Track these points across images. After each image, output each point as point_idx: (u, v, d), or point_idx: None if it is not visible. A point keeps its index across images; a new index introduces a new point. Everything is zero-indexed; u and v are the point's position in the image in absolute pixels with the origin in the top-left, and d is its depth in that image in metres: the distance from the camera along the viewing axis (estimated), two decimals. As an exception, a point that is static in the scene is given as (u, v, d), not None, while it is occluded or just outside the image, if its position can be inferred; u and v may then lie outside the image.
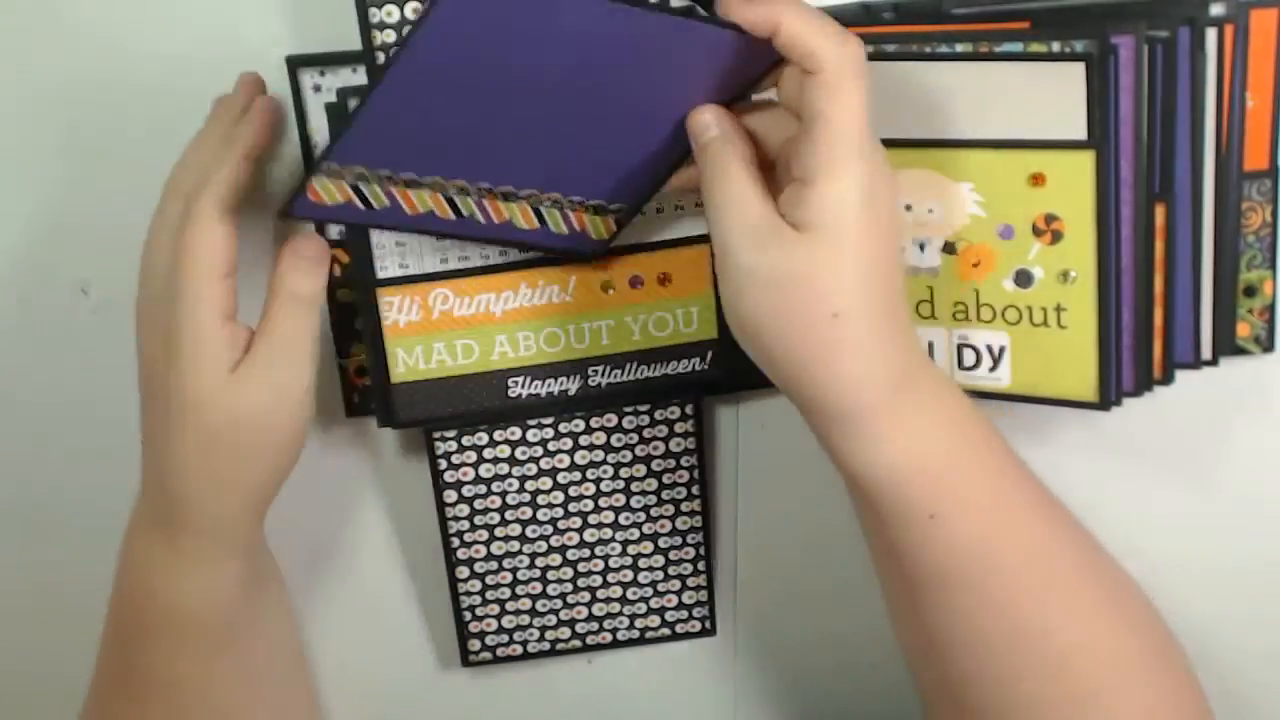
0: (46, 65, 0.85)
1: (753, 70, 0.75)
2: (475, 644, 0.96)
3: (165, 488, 0.81)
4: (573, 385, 0.89)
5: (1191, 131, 0.79)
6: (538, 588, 0.94)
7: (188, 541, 0.81)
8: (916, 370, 0.73)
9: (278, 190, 0.86)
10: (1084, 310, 0.79)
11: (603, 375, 0.88)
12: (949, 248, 0.81)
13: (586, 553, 0.94)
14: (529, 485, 0.92)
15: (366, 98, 0.75)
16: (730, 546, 0.96)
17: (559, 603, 0.95)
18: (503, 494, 0.92)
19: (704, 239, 0.86)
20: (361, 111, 0.75)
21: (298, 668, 0.95)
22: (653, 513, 0.93)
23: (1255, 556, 0.92)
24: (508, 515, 0.92)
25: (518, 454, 0.91)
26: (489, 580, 0.94)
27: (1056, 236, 0.78)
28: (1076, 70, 0.75)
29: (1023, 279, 0.80)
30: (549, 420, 0.90)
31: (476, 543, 0.93)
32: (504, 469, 0.91)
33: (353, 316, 0.88)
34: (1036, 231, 0.79)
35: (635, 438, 0.91)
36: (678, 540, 0.94)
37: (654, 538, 0.94)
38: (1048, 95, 0.76)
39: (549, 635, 0.96)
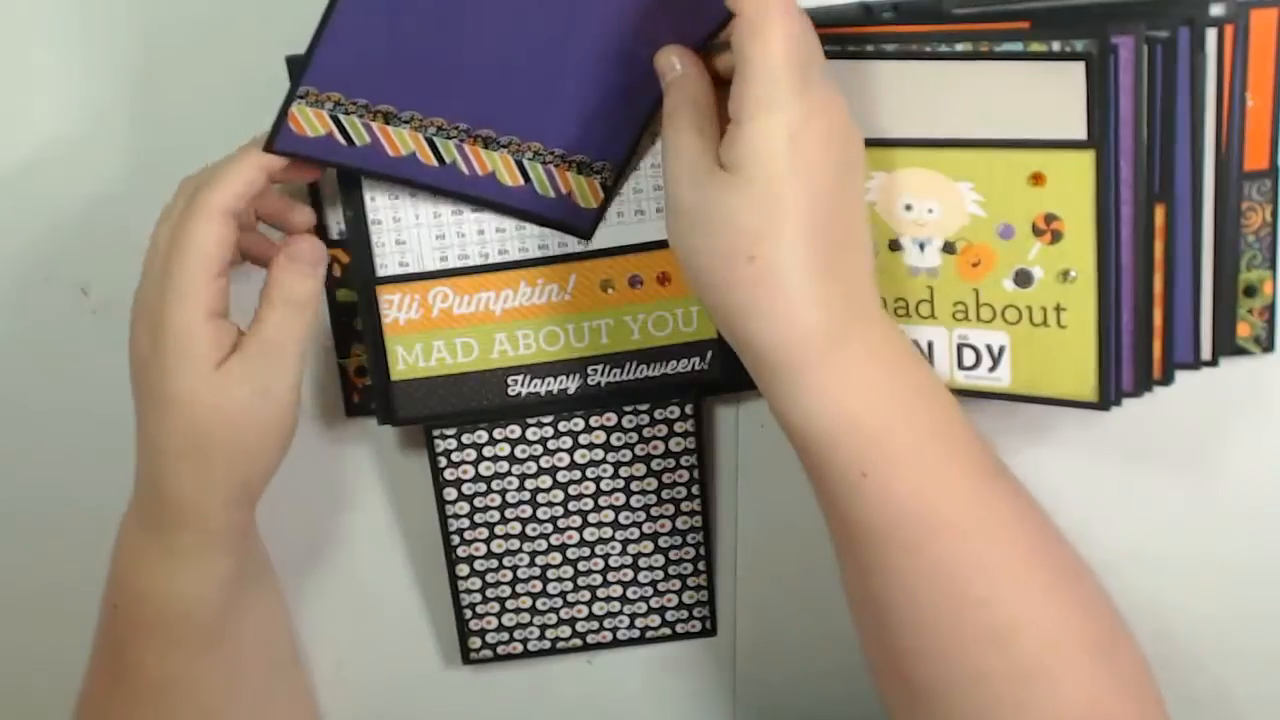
0: (48, 65, 0.85)
1: (714, 15, 0.76)
2: (476, 641, 0.96)
3: (153, 484, 0.81)
4: (572, 384, 0.89)
5: (1191, 131, 0.79)
6: (538, 586, 0.94)
7: (176, 539, 0.81)
8: (857, 324, 0.73)
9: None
10: (1084, 310, 0.79)
11: (602, 374, 0.89)
12: (949, 247, 0.81)
13: (586, 551, 0.94)
14: (529, 484, 0.92)
15: (329, 11, 0.76)
16: (730, 546, 0.96)
17: (559, 601, 0.95)
18: (503, 492, 0.92)
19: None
20: (327, 28, 0.78)
21: (291, 666, 0.96)
22: (653, 512, 0.93)
23: (1256, 557, 0.91)
24: (508, 513, 0.92)
25: (517, 452, 0.91)
26: (489, 578, 0.94)
27: (1056, 236, 0.78)
28: (1076, 70, 0.75)
29: (1022, 279, 0.80)
30: (548, 419, 0.90)
31: (477, 540, 0.93)
32: (504, 467, 0.91)
33: (353, 316, 0.88)
34: (1036, 231, 0.79)
35: (635, 437, 0.91)
36: (678, 540, 0.94)
37: (654, 537, 0.94)
38: (1048, 95, 0.76)
39: (549, 634, 0.96)
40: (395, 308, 0.86)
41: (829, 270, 0.72)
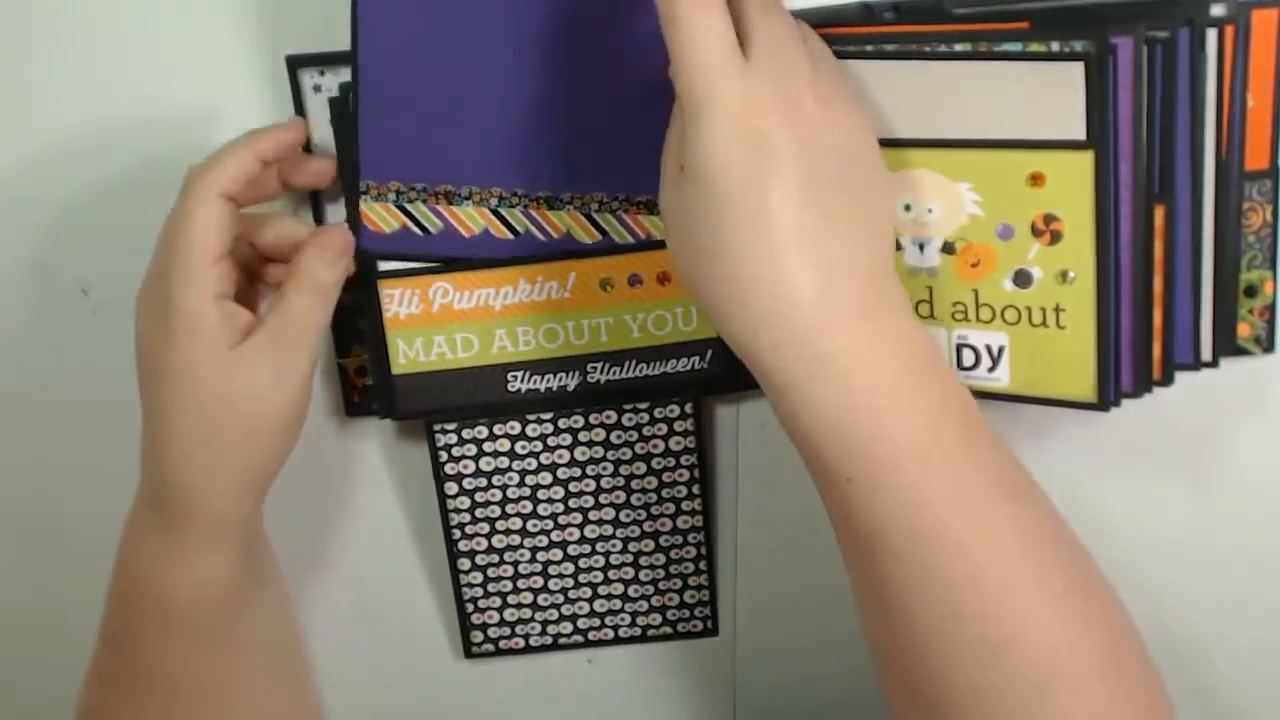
0: (48, 65, 0.85)
1: None
2: (478, 635, 0.96)
3: (161, 472, 0.81)
4: (572, 381, 0.89)
5: (1191, 132, 0.78)
6: (539, 582, 0.95)
7: (183, 529, 0.81)
8: (848, 328, 0.71)
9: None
10: (1083, 310, 0.79)
11: (602, 372, 0.89)
12: (948, 248, 0.81)
13: (587, 549, 0.94)
14: (529, 480, 0.92)
15: (357, 105, 0.77)
16: (730, 546, 0.96)
17: (560, 597, 0.95)
18: (503, 487, 0.92)
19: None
20: (360, 119, 0.80)
21: (296, 660, 0.96)
22: (653, 511, 0.93)
23: (1257, 558, 0.92)
24: (508, 509, 0.93)
25: (517, 448, 0.91)
26: (490, 573, 0.94)
27: (1055, 236, 0.78)
28: (1076, 70, 0.75)
29: (1022, 279, 0.80)
30: (548, 416, 0.90)
31: (478, 535, 0.93)
32: (504, 463, 0.91)
33: (353, 316, 0.88)
34: (1035, 231, 0.78)
35: (635, 435, 0.91)
36: (679, 539, 0.94)
37: (655, 536, 0.94)
38: (1047, 95, 0.76)
39: (551, 630, 0.96)
40: (396, 302, 0.86)
41: (809, 267, 0.71)
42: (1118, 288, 0.79)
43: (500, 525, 0.93)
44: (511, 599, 0.95)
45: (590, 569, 0.94)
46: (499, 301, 0.87)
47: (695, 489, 0.93)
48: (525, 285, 0.87)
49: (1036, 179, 0.78)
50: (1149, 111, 0.77)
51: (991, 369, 0.82)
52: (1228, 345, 0.83)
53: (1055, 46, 0.75)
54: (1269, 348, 0.84)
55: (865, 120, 0.75)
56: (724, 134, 0.70)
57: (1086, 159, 0.76)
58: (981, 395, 0.82)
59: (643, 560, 0.94)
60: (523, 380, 0.89)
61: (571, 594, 0.95)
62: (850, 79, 0.78)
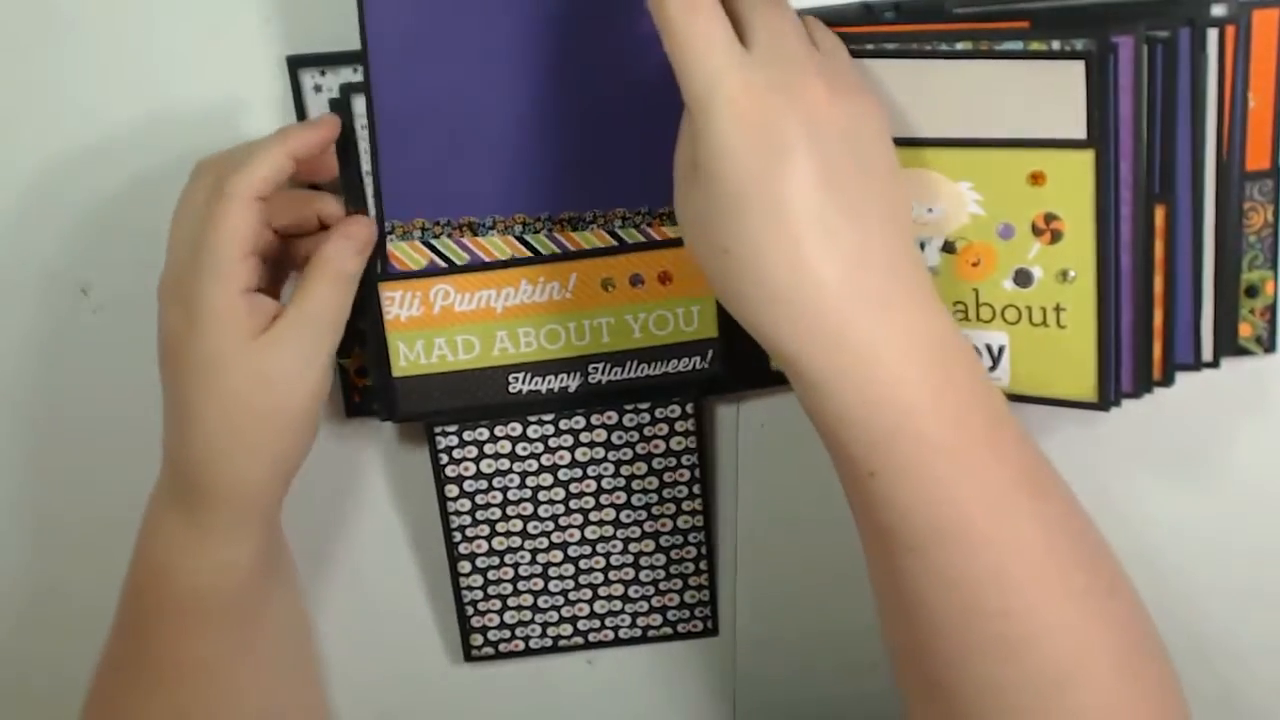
0: (49, 65, 0.85)
1: None
2: (478, 639, 0.96)
3: (186, 460, 0.81)
4: (573, 382, 0.89)
5: (1192, 132, 0.79)
6: (539, 584, 0.95)
7: (206, 516, 0.81)
8: (869, 318, 0.71)
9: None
10: (1083, 310, 0.79)
11: (603, 373, 0.89)
12: (948, 247, 0.81)
13: (588, 550, 0.94)
14: (530, 481, 0.92)
15: (375, 147, 0.82)
16: (731, 546, 0.96)
17: (561, 599, 0.95)
18: (504, 489, 0.92)
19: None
20: (378, 160, 0.82)
21: (307, 657, 0.96)
22: (654, 511, 0.93)
23: (1258, 559, 0.92)
24: (509, 511, 0.92)
25: (518, 450, 0.91)
26: (491, 575, 0.94)
27: (1056, 236, 0.78)
28: (1076, 69, 0.75)
29: (1022, 278, 0.80)
30: (549, 417, 0.90)
31: (478, 538, 0.93)
32: (505, 465, 0.91)
33: (354, 317, 0.88)
34: (1036, 231, 0.78)
35: (636, 435, 0.91)
36: (679, 539, 0.94)
37: (655, 536, 0.94)
38: (1048, 94, 0.76)
39: (551, 632, 0.96)
40: (397, 304, 0.86)
41: (829, 258, 0.70)
42: (1118, 287, 0.79)
43: (501, 527, 0.93)
44: (511, 601, 0.95)
45: (591, 570, 0.94)
46: (500, 303, 0.87)
47: (696, 489, 0.93)
48: (527, 286, 0.86)
49: (1037, 178, 0.78)
50: (1149, 111, 0.77)
51: (992, 369, 0.82)
52: (1229, 345, 0.83)
53: (1056, 45, 0.75)
54: (1270, 348, 0.84)
55: (877, 106, 0.74)
56: (732, 126, 0.69)
57: (1087, 158, 0.76)
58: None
59: (643, 561, 0.94)
60: (524, 381, 0.89)
61: (572, 595, 0.95)
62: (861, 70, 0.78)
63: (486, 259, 0.86)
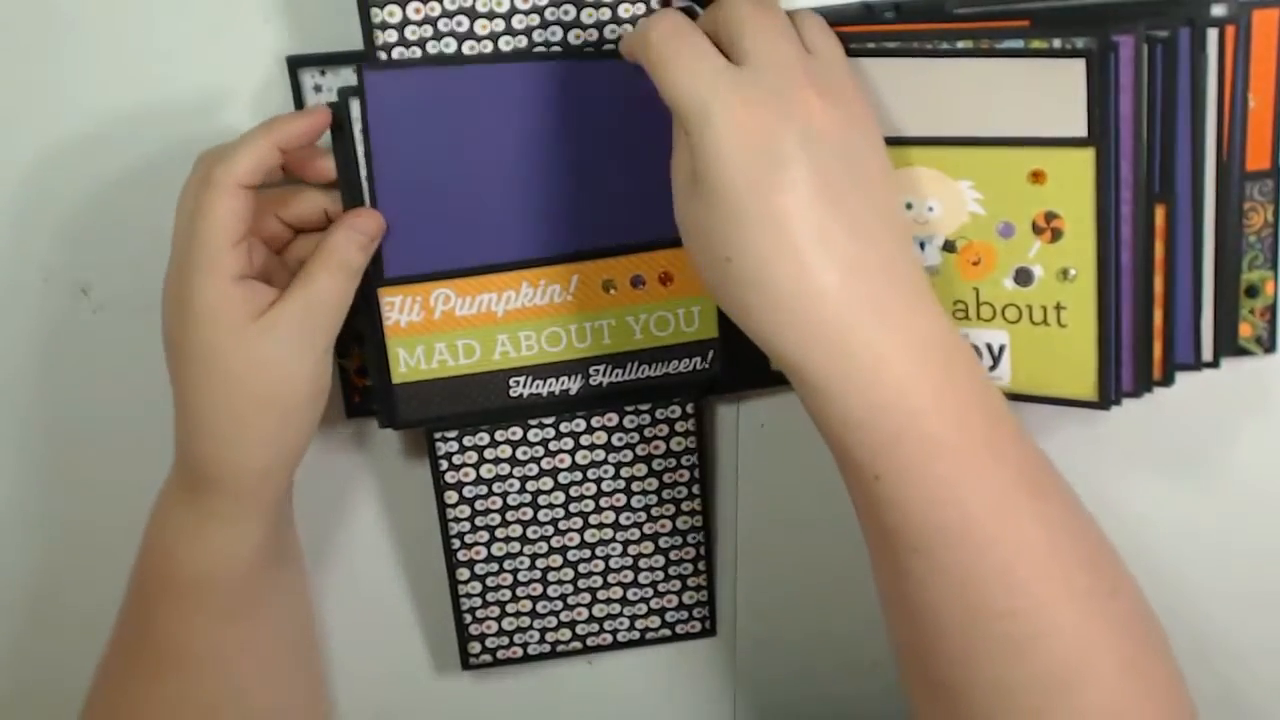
0: (49, 64, 0.85)
1: None
2: (475, 646, 0.96)
3: (189, 447, 0.82)
4: (574, 385, 0.89)
5: (1192, 131, 0.79)
6: (538, 589, 0.94)
7: (208, 501, 0.82)
8: (870, 322, 0.71)
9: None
10: (1084, 308, 0.79)
11: (604, 375, 0.88)
12: (949, 246, 0.81)
13: (587, 553, 0.93)
14: (530, 486, 0.92)
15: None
16: (730, 546, 0.96)
17: (559, 604, 0.95)
18: (504, 495, 0.92)
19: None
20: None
21: (311, 654, 0.95)
22: (653, 513, 0.93)
23: (1258, 557, 0.91)
24: (509, 516, 0.92)
25: (519, 454, 0.91)
26: (489, 582, 0.94)
27: (1056, 234, 0.78)
28: (1077, 67, 0.75)
29: (1023, 277, 0.80)
30: (550, 420, 0.90)
31: (477, 544, 0.93)
32: (505, 469, 0.91)
33: (353, 316, 0.88)
34: (1036, 229, 0.79)
35: (636, 437, 0.91)
36: (678, 540, 0.94)
37: (655, 538, 0.93)
38: (1048, 92, 0.76)
39: (549, 637, 0.96)
40: (397, 310, 0.86)
41: (830, 265, 0.71)
42: (1118, 286, 0.79)
43: (500, 533, 0.93)
44: (510, 608, 0.95)
45: (590, 574, 0.94)
46: (501, 307, 0.87)
47: (696, 489, 0.92)
48: (528, 289, 0.86)
49: (1037, 176, 0.78)
50: (1150, 110, 0.77)
51: (992, 368, 0.82)
52: (1229, 345, 0.83)
53: (1057, 44, 0.75)
54: (1270, 348, 0.84)
55: (869, 114, 0.75)
56: (728, 138, 0.70)
57: (1087, 156, 0.77)
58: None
59: (642, 563, 0.94)
60: (525, 385, 0.89)
61: (570, 600, 0.95)
62: (856, 74, 0.78)
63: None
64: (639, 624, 0.96)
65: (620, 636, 0.96)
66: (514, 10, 0.82)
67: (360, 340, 0.89)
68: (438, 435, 0.90)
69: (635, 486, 0.92)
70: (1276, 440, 0.88)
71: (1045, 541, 0.73)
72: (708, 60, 0.72)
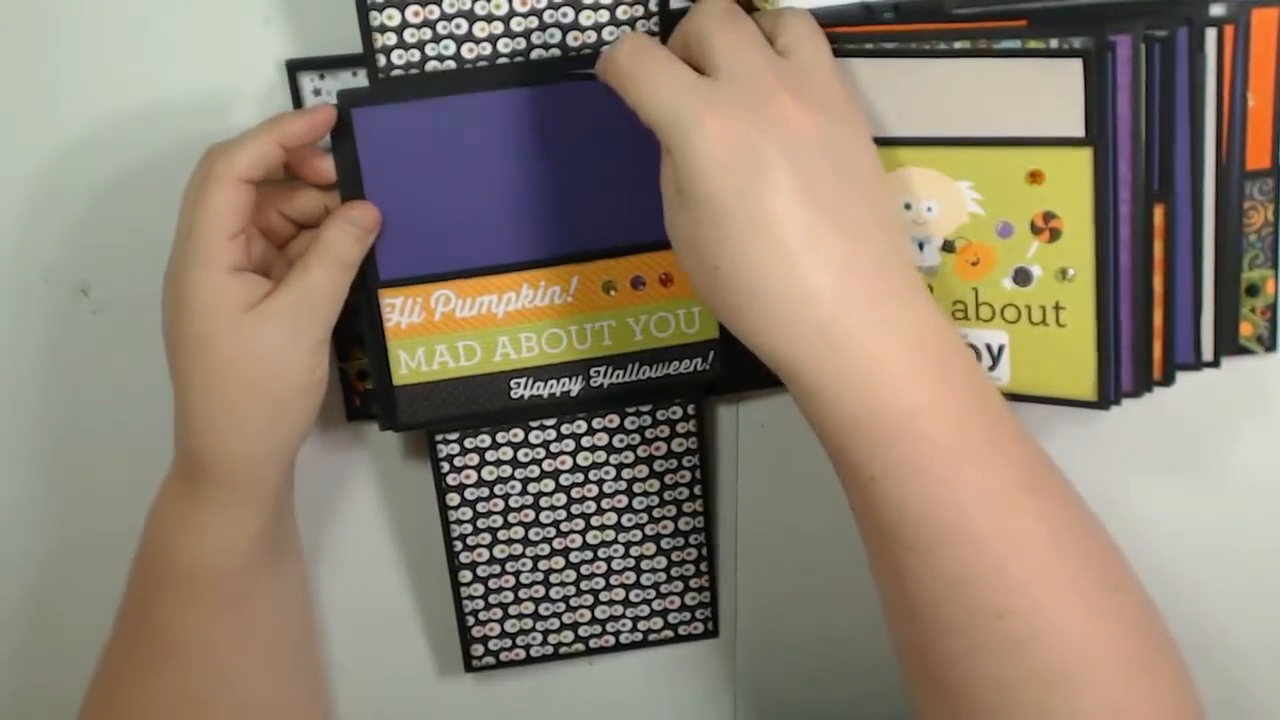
0: (48, 64, 0.86)
1: None
2: (478, 649, 0.96)
3: (185, 438, 0.82)
4: (575, 386, 0.89)
5: (1191, 131, 0.79)
6: (540, 591, 0.94)
7: (204, 492, 0.82)
8: (863, 323, 0.71)
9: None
10: (1083, 308, 0.79)
11: (605, 376, 0.89)
12: (948, 246, 0.81)
13: (589, 555, 0.93)
14: (531, 488, 0.92)
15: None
16: (731, 547, 0.96)
17: (562, 606, 0.95)
18: (505, 496, 0.92)
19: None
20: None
21: (309, 652, 0.95)
22: (655, 514, 0.93)
23: (1259, 557, 0.91)
24: (510, 518, 0.92)
25: (520, 456, 0.91)
26: (492, 584, 0.94)
27: (1055, 234, 0.78)
28: (1074, 67, 0.75)
29: (1021, 277, 0.80)
30: (551, 422, 0.90)
31: (479, 546, 0.93)
32: (506, 471, 0.91)
33: (353, 319, 0.88)
34: (1035, 229, 0.78)
35: (637, 438, 0.91)
36: (680, 541, 0.94)
37: (656, 539, 0.94)
38: (1046, 92, 0.76)
39: (552, 639, 0.96)
40: (397, 312, 0.86)
41: (821, 266, 0.71)
42: (1117, 286, 0.79)
43: (502, 535, 0.93)
44: (513, 610, 0.95)
45: (592, 575, 0.94)
46: (502, 308, 0.87)
47: (697, 490, 0.93)
48: (529, 290, 0.87)
49: (1035, 176, 0.78)
50: (1148, 110, 0.77)
51: (992, 368, 0.81)
52: (1229, 344, 0.83)
53: (1054, 43, 0.75)
54: (1271, 347, 0.84)
55: (854, 112, 0.75)
56: (705, 152, 0.70)
57: (1085, 156, 0.77)
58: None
59: (644, 564, 0.94)
60: (526, 387, 0.89)
61: (573, 601, 0.95)
62: (845, 74, 0.78)
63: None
64: (641, 625, 0.96)
65: (623, 638, 0.96)
66: (512, 13, 0.82)
67: (361, 343, 0.89)
68: (439, 437, 0.90)
69: (637, 488, 0.92)
70: (1276, 440, 0.88)
71: (1047, 539, 0.73)
72: (677, 76, 0.72)
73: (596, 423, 0.90)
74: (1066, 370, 0.80)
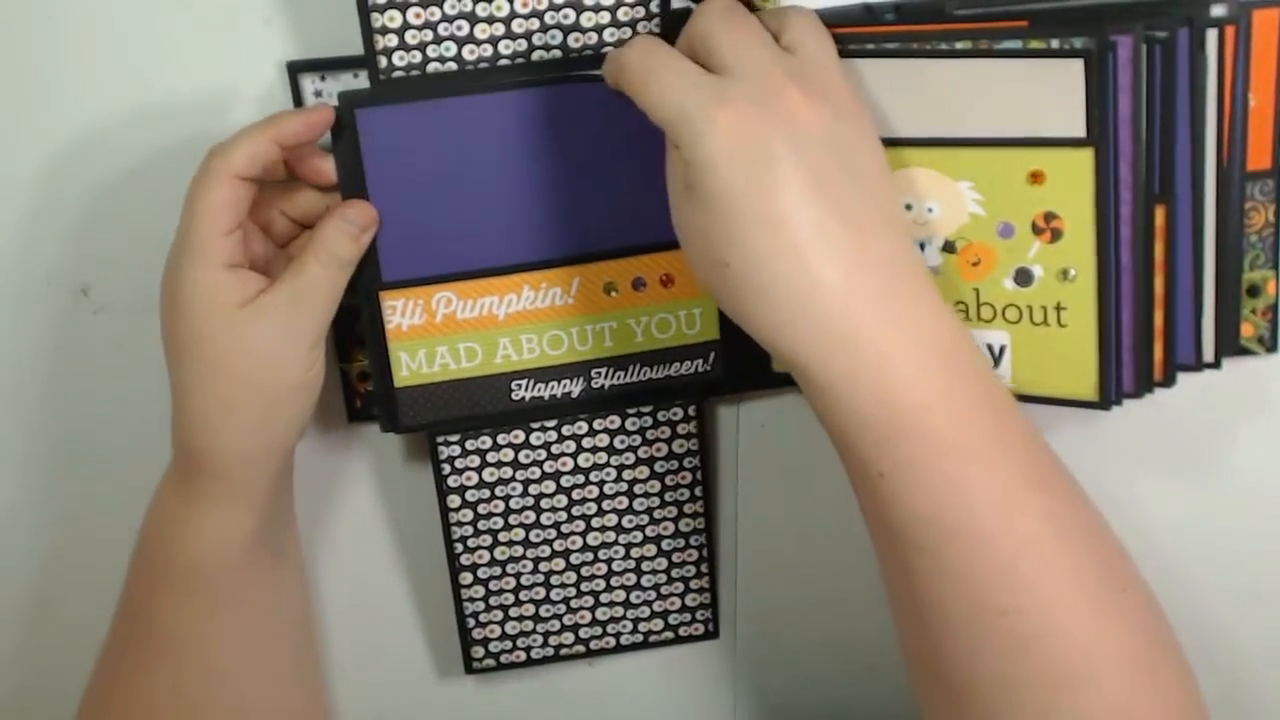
0: (47, 66, 0.86)
1: None
2: (479, 651, 0.96)
3: (181, 434, 0.82)
4: (576, 387, 0.89)
5: (1192, 132, 0.79)
6: (541, 593, 0.94)
7: (199, 486, 0.82)
8: (871, 320, 0.71)
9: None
10: (1084, 308, 0.79)
11: (606, 377, 0.89)
12: (949, 247, 0.81)
13: (590, 556, 0.93)
14: (532, 489, 0.92)
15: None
16: (730, 548, 0.96)
17: (562, 607, 0.95)
18: (506, 498, 0.92)
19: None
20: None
21: (307, 652, 0.95)
22: (656, 515, 0.93)
23: (1259, 558, 0.91)
24: (511, 520, 0.92)
25: (521, 458, 0.91)
26: (492, 586, 0.94)
27: (1056, 234, 0.78)
28: (1075, 67, 0.75)
29: (1023, 278, 0.80)
30: (552, 423, 0.90)
31: (480, 548, 0.93)
32: (507, 473, 0.91)
33: (354, 320, 0.88)
34: (1036, 230, 0.78)
35: (638, 439, 0.91)
36: (681, 542, 0.94)
37: (657, 540, 0.93)
38: (1047, 92, 0.76)
39: (552, 640, 0.96)
40: (398, 313, 0.86)
41: (830, 262, 0.71)
42: (1118, 286, 0.79)
43: (503, 537, 0.93)
44: (513, 611, 0.95)
45: (593, 577, 0.94)
46: (503, 310, 0.87)
47: (698, 491, 0.92)
48: (529, 292, 0.87)
49: (1036, 177, 0.78)
50: (1149, 111, 0.77)
51: (993, 368, 0.81)
52: (1230, 345, 0.83)
53: (1055, 44, 0.75)
54: (1272, 348, 0.84)
55: (858, 106, 0.75)
56: (715, 148, 0.70)
57: (1086, 156, 0.77)
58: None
59: (644, 565, 0.94)
60: (527, 388, 0.89)
61: (574, 603, 0.95)
62: (849, 73, 0.78)
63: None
64: (642, 626, 0.96)
65: (623, 639, 0.96)
66: (514, 15, 0.82)
67: (363, 344, 0.89)
68: (440, 439, 0.90)
69: (637, 489, 0.92)
70: (1277, 440, 0.88)
71: (1053, 538, 0.73)
72: (685, 74, 0.73)
73: (597, 424, 0.90)
74: (1068, 370, 0.80)
